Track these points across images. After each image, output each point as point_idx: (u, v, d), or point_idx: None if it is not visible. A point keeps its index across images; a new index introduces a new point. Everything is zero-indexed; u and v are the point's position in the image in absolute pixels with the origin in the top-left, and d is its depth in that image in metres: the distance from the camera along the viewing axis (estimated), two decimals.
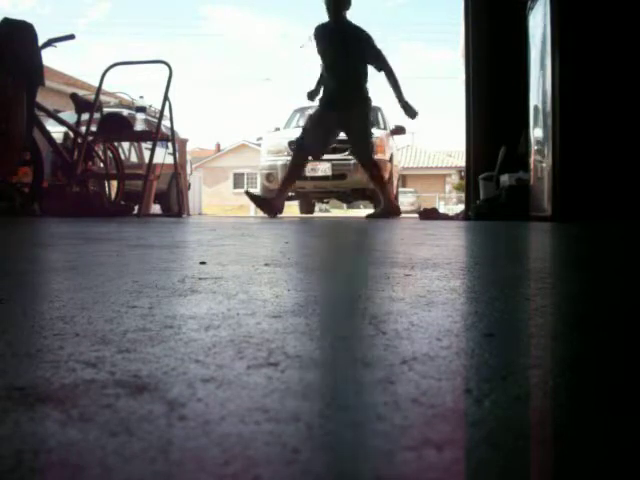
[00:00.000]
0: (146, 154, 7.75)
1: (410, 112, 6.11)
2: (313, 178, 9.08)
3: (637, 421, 0.41)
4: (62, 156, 5.73)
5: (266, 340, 0.63)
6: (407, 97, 6.13)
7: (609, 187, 4.38)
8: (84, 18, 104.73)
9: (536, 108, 5.14)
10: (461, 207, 10.93)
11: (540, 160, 4.96)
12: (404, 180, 33.04)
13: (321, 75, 6.30)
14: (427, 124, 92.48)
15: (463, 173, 9.52)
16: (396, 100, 6.11)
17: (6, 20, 5.01)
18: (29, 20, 5.06)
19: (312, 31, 6.17)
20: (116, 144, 6.58)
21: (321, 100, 6.23)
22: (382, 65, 6.08)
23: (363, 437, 0.38)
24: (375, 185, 6.53)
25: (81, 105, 6.07)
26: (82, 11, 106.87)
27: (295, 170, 6.38)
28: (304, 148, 6.22)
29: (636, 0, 4.48)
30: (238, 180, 39.07)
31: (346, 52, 5.99)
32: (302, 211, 11.75)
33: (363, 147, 6.24)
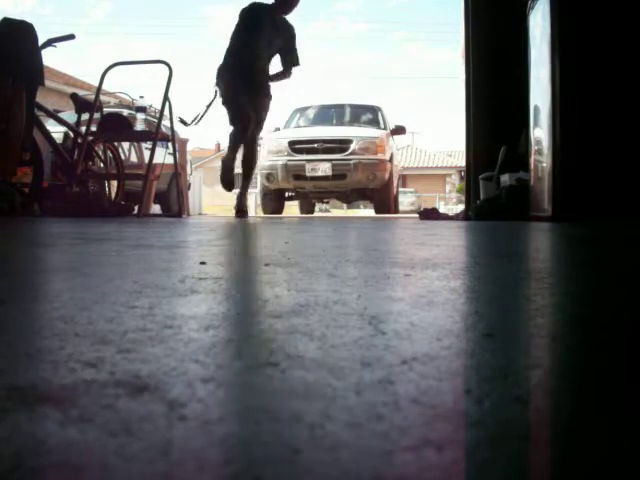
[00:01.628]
0: (146, 154, 7.75)
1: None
2: (313, 178, 9.09)
3: (638, 422, 0.41)
4: (62, 156, 5.73)
5: (266, 340, 0.63)
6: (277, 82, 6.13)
7: (609, 187, 4.38)
8: (85, 18, 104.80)
9: (536, 108, 5.14)
10: (461, 207, 10.94)
11: (540, 160, 4.96)
12: (404, 180, 33.04)
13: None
14: (427, 124, 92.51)
15: (463, 173, 9.52)
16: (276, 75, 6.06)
17: (6, 20, 5.01)
18: (30, 20, 5.07)
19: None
20: (116, 144, 6.58)
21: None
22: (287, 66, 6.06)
23: (363, 437, 0.38)
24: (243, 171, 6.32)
25: (81, 105, 6.07)
26: (83, 11, 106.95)
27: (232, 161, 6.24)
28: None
29: (637, 0, 4.48)
30: (238, 180, 38.97)
31: (269, 42, 5.92)
32: (302, 211, 11.76)
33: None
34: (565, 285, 1.18)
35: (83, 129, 5.95)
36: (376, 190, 9.37)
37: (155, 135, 6.08)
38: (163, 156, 6.31)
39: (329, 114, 10.52)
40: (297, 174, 9.12)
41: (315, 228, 3.94)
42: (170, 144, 6.46)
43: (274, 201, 9.84)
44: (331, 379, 0.51)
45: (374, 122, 10.33)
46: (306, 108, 10.79)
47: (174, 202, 8.47)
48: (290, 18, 6.17)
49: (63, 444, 0.36)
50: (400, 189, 13.03)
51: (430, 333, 0.66)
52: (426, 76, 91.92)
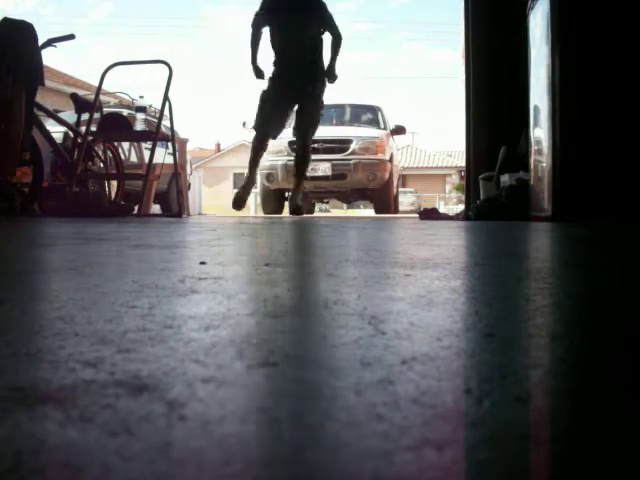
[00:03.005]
0: (146, 154, 7.75)
1: (331, 76, 6.05)
2: (313, 178, 9.08)
3: (638, 422, 0.41)
4: (62, 156, 5.73)
5: (266, 340, 0.63)
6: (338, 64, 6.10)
7: (610, 187, 4.38)
8: (86, 18, 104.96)
9: (536, 108, 5.14)
10: (461, 207, 10.94)
11: (540, 160, 4.96)
12: (404, 180, 33.04)
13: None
14: (427, 124, 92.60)
15: (463, 173, 9.53)
16: (329, 60, 6.05)
17: (6, 20, 5.01)
18: (30, 20, 5.07)
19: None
20: (116, 144, 6.58)
21: (275, 77, 6.01)
22: (333, 31, 6.04)
23: (363, 437, 0.38)
24: (295, 176, 6.30)
25: (81, 105, 6.07)
26: (84, 11, 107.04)
27: (257, 156, 6.27)
28: (266, 133, 6.10)
29: (637, 0, 4.48)
30: (238, 180, 39.04)
31: (306, 23, 5.91)
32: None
33: (310, 130, 6.10)
34: (565, 285, 1.18)
35: (83, 129, 5.95)
36: (376, 190, 9.37)
37: (155, 135, 6.08)
38: (163, 156, 6.32)
39: (329, 114, 10.50)
40: None
41: (315, 228, 3.94)
42: (170, 144, 6.46)
43: (274, 201, 9.84)
44: (331, 379, 0.51)
45: (374, 122, 10.32)
46: None
47: (174, 202, 8.46)
48: None
49: (63, 444, 0.36)
50: (400, 189, 13.03)
51: (430, 333, 0.66)
52: (426, 76, 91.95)
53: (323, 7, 6.04)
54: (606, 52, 4.42)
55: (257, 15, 6.05)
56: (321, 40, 6.10)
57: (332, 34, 6.08)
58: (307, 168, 6.40)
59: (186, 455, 0.35)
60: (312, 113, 6.07)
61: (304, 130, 6.14)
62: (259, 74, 6.08)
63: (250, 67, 6.10)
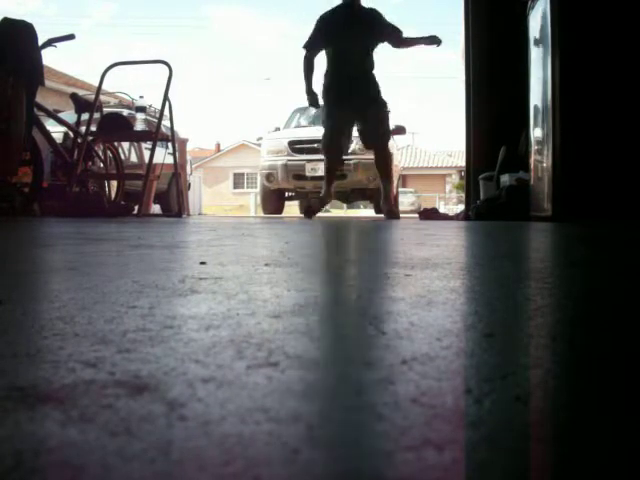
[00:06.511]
0: (146, 154, 7.75)
1: (433, 40, 5.98)
2: (313, 178, 9.08)
3: (638, 422, 0.41)
4: (62, 156, 5.73)
5: (266, 340, 0.63)
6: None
7: (609, 187, 4.38)
8: (89, 19, 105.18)
9: (536, 108, 5.14)
10: (461, 207, 10.94)
11: (540, 160, 4.96)
12: (404, 180, 33.06)
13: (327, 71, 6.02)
14: (427, 124, 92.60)
15: (463, 173, 9.53)
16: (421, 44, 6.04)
17: (6, 20, 5.01)
18: (33, 21, 5.07)
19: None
20: (116, 144, 6.58)
21: (330, 93, 5.96)
22: (396, 40, 6.01)
23: (363, 437, 0.38)
24: (380, 177, 6.23)
25: (81, 105, 6.07)
26: (87, 12, 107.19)
27: (332, 173, 6.23)
28: (333, 151, 6.08)
29: (636, 0, 4.48)
30: (238, 180, 39.08)
31: (360, 38, 5.85)
32: (302, 211, 11.75)
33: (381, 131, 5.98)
34: (565, 285, 1.18)
35: (83, 129, 5.95)
36: (376, 190, 9.36)
37: (155, 135, 6.08)
38: (163, 156, 6.32)
39: None
40: (297, 174, 9.12)
41: (315, 228, 3.94)
42: (170, 144, 6.47)
43: (274, 201, 9.84)
44: (331, 379, 0.51)
45: None
46: (306, 108, 10.77)
47: (174, 202, 8.47)
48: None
49: (63, 444, 0.36)
50: (400, 189, 13.03)
51: (430, 333, 0.66)
52: (426, 76, 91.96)
53: (379, 19, 5.99)
54: (606, 52, 4.42)
55: (308, 47, 5.98)
56: (372, 56, 6.04)
57: (393, 39, 6.01)
58: (389, 165, 6.20)
59: (186, 455, 0.35)
60: (376, 116, 5.93)
61: (373, 132, 6.00)
62: (314, 102, 6.08)
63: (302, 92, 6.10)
